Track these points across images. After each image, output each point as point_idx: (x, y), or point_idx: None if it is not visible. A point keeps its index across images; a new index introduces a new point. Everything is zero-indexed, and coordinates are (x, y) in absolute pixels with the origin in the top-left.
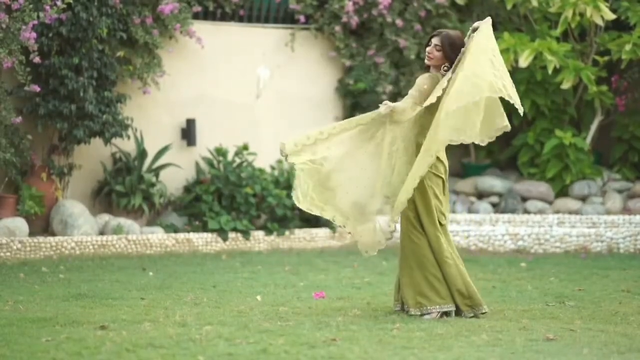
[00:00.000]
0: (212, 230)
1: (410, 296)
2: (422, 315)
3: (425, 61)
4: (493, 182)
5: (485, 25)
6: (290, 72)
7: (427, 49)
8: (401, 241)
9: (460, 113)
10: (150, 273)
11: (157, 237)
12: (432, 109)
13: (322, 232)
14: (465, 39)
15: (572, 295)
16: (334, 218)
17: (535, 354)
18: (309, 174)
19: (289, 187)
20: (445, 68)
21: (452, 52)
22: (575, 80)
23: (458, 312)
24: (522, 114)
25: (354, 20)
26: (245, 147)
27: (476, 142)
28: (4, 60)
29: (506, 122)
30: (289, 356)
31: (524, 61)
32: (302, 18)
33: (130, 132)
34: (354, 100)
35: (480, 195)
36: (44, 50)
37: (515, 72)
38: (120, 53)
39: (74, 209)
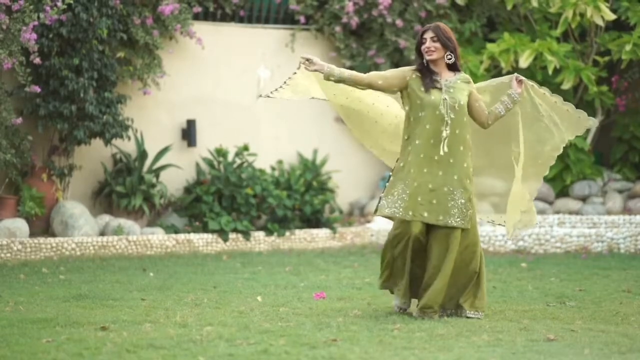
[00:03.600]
0: (213, 231)
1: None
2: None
3: (427, 57)
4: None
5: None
6: (290, 73)
7: (424, 46)
8: (467, 245)
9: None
10: (151, 274)
11: (157, 238)
12: None
13: (322, 233)
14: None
15: (572, 295)
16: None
17: (536, 354)
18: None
19: (289, 187)
20: (448, 57)
21: (447, 40)
22: (575, 81)
23: (457, 312)
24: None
25: (354, 21)
26: (246, 148)
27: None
28: (5, 61)
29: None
30: (290, 357)
31: (524, 62)
32: (302, 18)
33: (130, 132)
34: None
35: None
36: (44, 51)
37: (515, 72)
38: (120, 54)
39: (75, 209)
